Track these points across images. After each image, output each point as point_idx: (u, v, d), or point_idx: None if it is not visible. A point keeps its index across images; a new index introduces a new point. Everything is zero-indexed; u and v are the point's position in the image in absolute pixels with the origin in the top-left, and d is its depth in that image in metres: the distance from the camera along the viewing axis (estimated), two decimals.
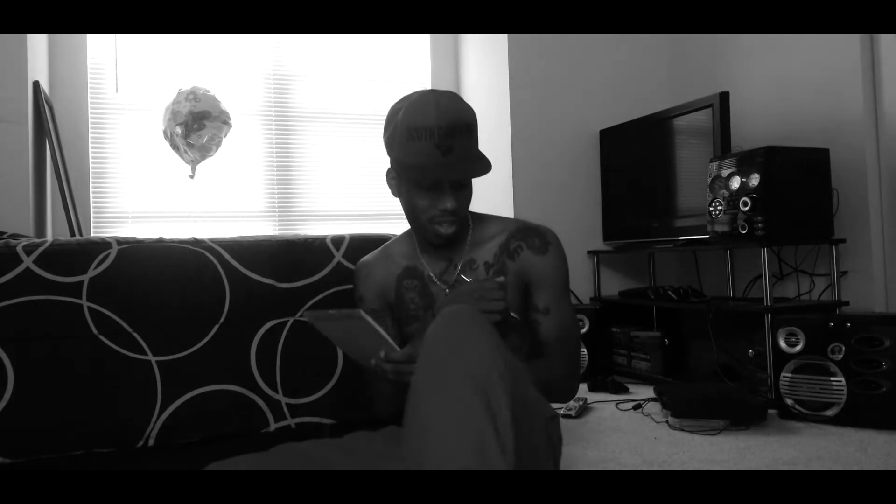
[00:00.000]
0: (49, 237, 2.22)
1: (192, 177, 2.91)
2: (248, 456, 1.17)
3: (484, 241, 1.37)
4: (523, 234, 1.35)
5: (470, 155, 1.26)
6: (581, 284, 3.28)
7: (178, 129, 2.76)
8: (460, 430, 0.92)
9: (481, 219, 1.41)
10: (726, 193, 2.51)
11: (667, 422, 2.13)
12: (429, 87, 3.62)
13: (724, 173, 2.53)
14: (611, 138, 3.28)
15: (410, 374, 1.10)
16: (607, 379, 2.70)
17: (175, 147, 2.84)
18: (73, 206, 2.73)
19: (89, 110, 3.07)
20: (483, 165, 1.27)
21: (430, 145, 1.23)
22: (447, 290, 1.35)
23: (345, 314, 1.11)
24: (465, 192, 1.30)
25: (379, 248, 1.48)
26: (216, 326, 1.55)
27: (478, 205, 2.21)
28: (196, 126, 2.77)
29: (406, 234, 1.45)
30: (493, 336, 1.04)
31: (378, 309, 1.41)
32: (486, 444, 0.91)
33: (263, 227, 3.32)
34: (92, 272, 1.48)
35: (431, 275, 1.37)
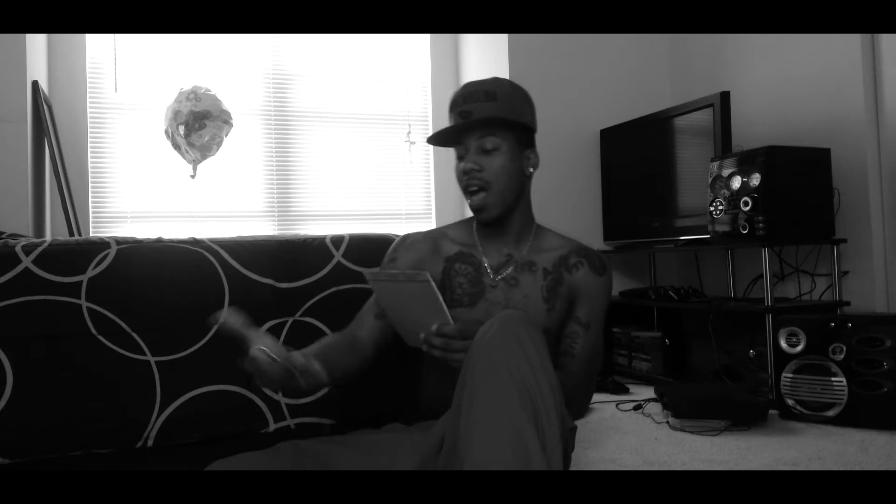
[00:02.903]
0: (48, 237, 2.22)
1: (193, 176, 2.91)
2: (252, 454, 1.17)
3: (545, 249, 1.39)
4: (585, 253, 1.39)
5: (489, 118, 1.30)
6: None
7: (180, 129, 2.76)
8: (506, 438, 0.96)
9: (545, 230, 1.45)
10: (727, 193, 2.50)
11: (667, 422, 2.13)
12: (430, 87, 3.63)
13: (725, 173, 2.52)
14: (611, 138, 3.28)
15: (460, 351, 1.13)
16: (608, 379, 2.70)
17: (176, 147, 2.84)
18: (71, 205, 2.73)
19: (88, 110, 3.07)
20: (496, 126, 1.31)
21: (456, 115, 1.33)
22: (495, 282, 1.36)
23: (409, 275, 1.10)
24: (494, 159, 1.32)
25: (426, 230, 1.50)
26: (215, 326, 1.54)
27: None
28: (197, 125, 2.76)
29: (464, 221, 1.47)
30: (544, 346, 1.07)
31: None
32: (531, 454, 0.95)
33: (263, 227, 3.32)
34: (91, 272, 1.48)
35: (487, 266, 1.37)
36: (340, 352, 1.31)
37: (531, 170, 1.38)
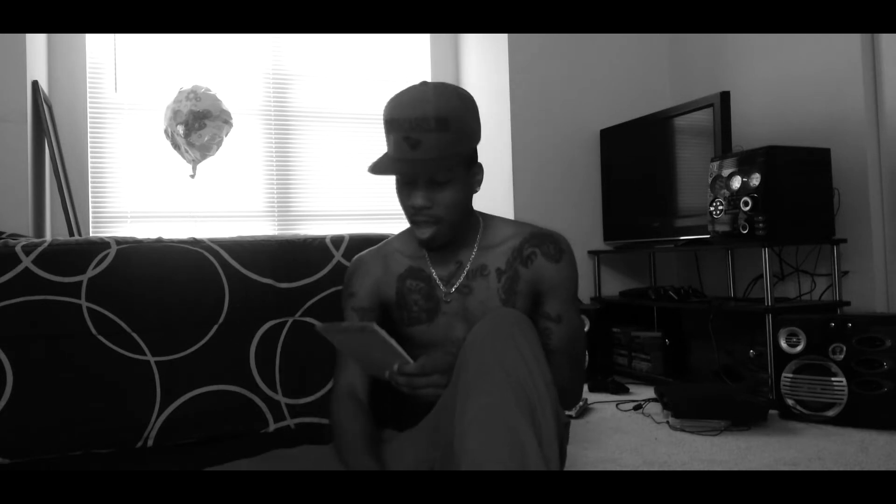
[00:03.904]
0: (48, 237, 2.22)
1: (192, 176, 2.91)
2: (244, 461, 1.17)
3: (494, 245, 1.32)
4: (538, 241, 1.31)
5: (442, 151, 1.18)
6: (582, 284, 3.26)
7: (180, 129, 2.76)
8: (502, 437, 0.96)
9: (492, 221, 1.36)
10: (727, 193, 2.50)
11: (667, 422, 2.13)
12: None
13: (725, 173, 2.52)
14: (611, 138, 3.27)
15: (425, 388, 1.12)
16: (608, 379, 2.69)
17: (176, 146, 2.84)
18: (72, 205, 2.73)
19: (88, 110, 3.07)
20: (452, 162, 1.20)
21: (400, 137, 1.19)
22: (449, 295, 1.32)
23: (357, 327, 1.10)
24: (446, 192, 1.22)
25: (376, 246, 1.43)
26: (215, 326, 1.54)
27: (478, 205, 2.20)
28: (197, 125, 2.76)
29: (408, 231, 1.39)
30: (538, 343, 1.06)
31: (368, 307, 1.36)
32: (528, 453, 0.95)
33: (263, 227, 3.32)
34: (91, 272, 1.48)
35: (437, 278, 1.33)
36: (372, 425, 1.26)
37: (478, 187, 1.30)
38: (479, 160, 1.31)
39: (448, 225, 1.25)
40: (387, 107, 1.23)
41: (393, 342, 1.11)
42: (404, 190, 1.25)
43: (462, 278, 1.31)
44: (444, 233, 1.26)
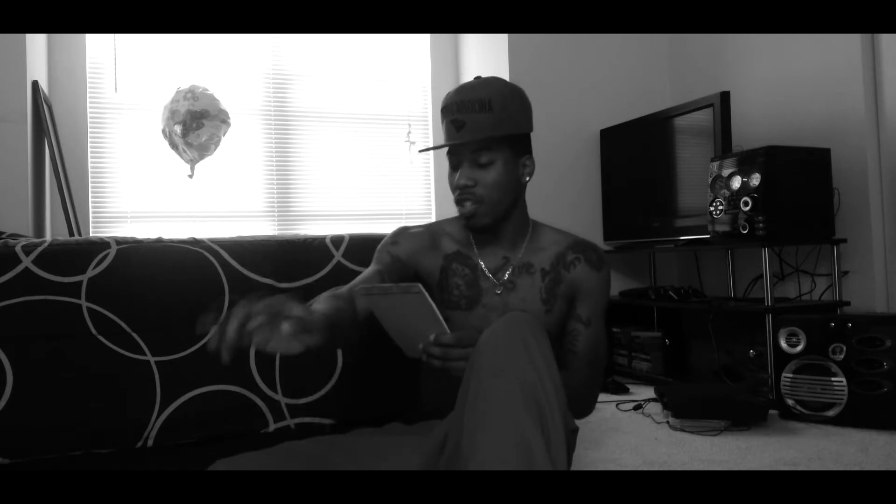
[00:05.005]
0: (48, 237, 2.22)
1: (191, 176, 2.91)
2: (253, 454, 1.17)
3: (542, 247, 1.37)
4: (582, 248, 1.37)
5: (484, 131, 1.25)
6: None
7: (177, 128, 2.76)
8: (510, 437, 0.96)
9: (541, 227, 1.42)
10: (727, 193, 2.50)
11: (667, 422, 2.13)
12: (430, 87, 3.63)
13: (725, 173, 2.52)
14: (611, 138, 3.28)
15: (457, 361, 1.11)
16: (608, 379, 2.69)
17: (174, 146, 2.84)
18: (72, 205, 2.73)
19: (88, 110, 3.07)
20: (494, 141, 1.26)
21: (448, 122, 1.28)
22: (496, 286, 1.34)
23: (403, 288, 1.08)
24: (489, 173, 1.28)
25: (428, 223, 1.46)
26: (215, 326, 1.54)
27: None
28: (195, 125, 2.76)
29: (457, 218, 1.42)
30: (549, 347, 1.07)
31: (403, 261, 1.37)
32: (535, 454, 0.95)
33: (263, 227, 3.32)
34: (91, 272, 1.48)
35: (485, 269, 1.36)
36: (348, 319, 1.21)
37: (527, 178, 1.35)
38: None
39: (489, 205, 1.30)
40: (443, 99, 1.32)
41: (435, 308, 1.09)
42: (453, 175, 1.32)
43: (508, 273, 1.35)
44: (485, 212, 1.30)
